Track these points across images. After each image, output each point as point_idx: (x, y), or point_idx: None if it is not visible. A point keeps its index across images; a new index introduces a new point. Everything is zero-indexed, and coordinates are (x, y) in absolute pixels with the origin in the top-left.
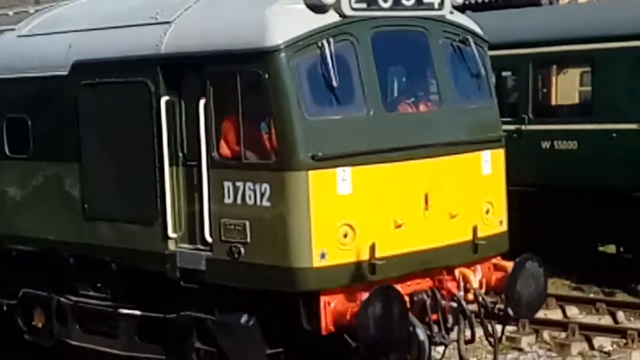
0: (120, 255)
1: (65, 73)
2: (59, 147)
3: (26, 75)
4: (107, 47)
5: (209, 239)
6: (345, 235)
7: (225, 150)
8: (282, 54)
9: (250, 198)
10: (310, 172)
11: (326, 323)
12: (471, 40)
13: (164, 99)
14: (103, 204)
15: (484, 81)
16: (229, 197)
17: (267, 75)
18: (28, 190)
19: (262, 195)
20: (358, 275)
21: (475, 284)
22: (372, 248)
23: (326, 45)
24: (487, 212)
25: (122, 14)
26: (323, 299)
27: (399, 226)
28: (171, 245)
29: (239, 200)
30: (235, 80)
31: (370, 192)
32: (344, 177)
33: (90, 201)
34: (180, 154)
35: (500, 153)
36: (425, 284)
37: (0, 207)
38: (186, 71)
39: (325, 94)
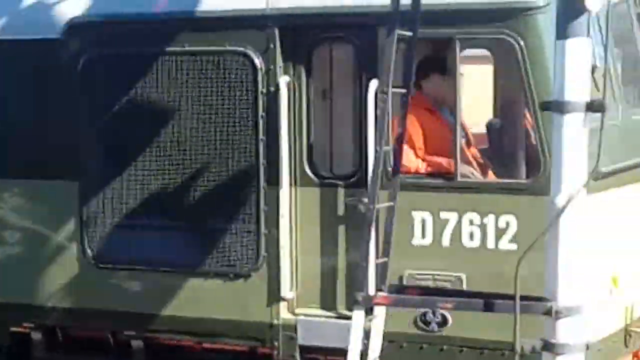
0: (161, 325)
1: (54, 36)
2: (33, 155)
3: None
4: None
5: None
6: (611, 292)
7: (413, 160)
8: (547, 12)
9: (472, 237)
10: (591, 196)
11: None
12: None
13: (283, 80)
14: (127, 246)
15: None
16: (423, 235)
17: (521, 44)
18: None
19: (499, 233)
20: (613, 351)
21: None
22: (632, 309)
23: None
24: None
25: None
26: None
27: None
28: (285, 311)
29: (445, 241)
30: (453, 51)
31: (624, 225)
32: (612, 202)
33: (99, 244)
34: (307, 167)
35: None
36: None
37: None
38: (329, 36)
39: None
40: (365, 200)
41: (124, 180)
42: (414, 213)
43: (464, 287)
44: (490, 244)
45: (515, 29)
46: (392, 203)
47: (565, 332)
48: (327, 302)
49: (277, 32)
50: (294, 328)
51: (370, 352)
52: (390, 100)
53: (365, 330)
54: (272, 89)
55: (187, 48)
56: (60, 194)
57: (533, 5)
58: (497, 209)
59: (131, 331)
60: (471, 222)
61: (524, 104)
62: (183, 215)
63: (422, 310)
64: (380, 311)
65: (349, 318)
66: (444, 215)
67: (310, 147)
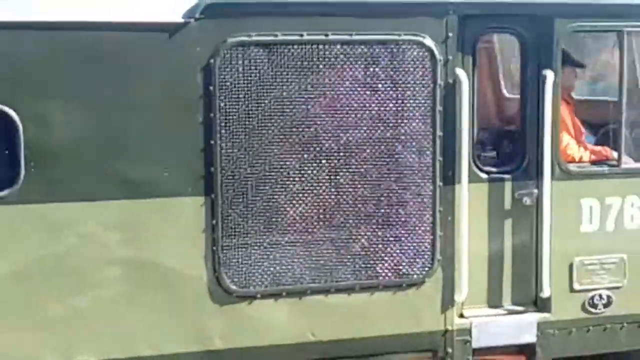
0: (323, 354)
1: (180, 20)
2: (135, 169)
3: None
4: None
5: (547, 292)
6: None
7: (576, 150)
8: None
9: (632, 219)
10: None
11: None
12: None
13: (462, 72)
14: (275, 268)
15: None
16: (590, 222)
17: None
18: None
19: None
20: None
21: None
22: None
23: None
24: None
25: None
26: None
27: None
28: (457, 317)
29: (609, 226)
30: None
31: None
32: None
33: (238, 268)
34: (473, 163)
35: None
36: None
37: None
38: (497, 26)
39: None
40: (535, 191)
41: (269, 190)
42: (582, 201)
43: (624, 268)
44: None
45: None
46: None
47: None
48: (494, 299)
49: (456, 20)
50: (468, 331)
51: None
52: None
53: None
54: (450, 80)
55: (354, 37)
56: (180, 213)
57: None
58: None
59: None
60: (632, 205)
61: None
62: (345, 226)
63: (590, 294)
64: None
65: (516, 313)
66: (608, 200)
67: (474, 142)
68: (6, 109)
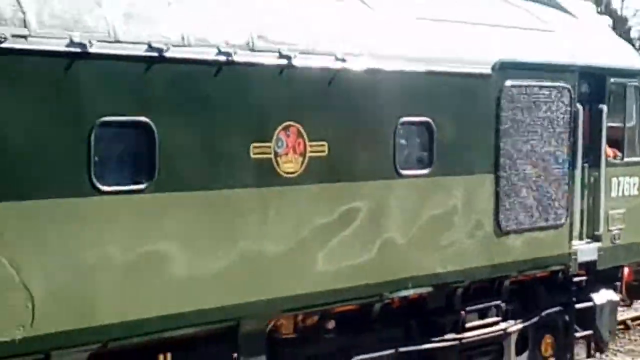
0: (526, 266)
1: (487, 71)
2: (471, 156)
3: (434, 69)
4: (532, 50)
5: (601, 230)
6: None
7: (608, 151)
8: None
9: (627, 190)
10: None
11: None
12: None
13: (579, 105)
14: (516, 216)
15: None
16: (614, 191)
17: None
18: (421, 216)
19: (633, 186)
20: None
21: None
22: None
23: None
24: None
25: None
26: None
27: None
28: (573, 244)
29: (620, 193)
30: (624, 91)
31: None
32: None
33: (504, 216)
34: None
35: None
36: None
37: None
38: (590, 80)
39: None
40: (596, 173)
41: (516, 173)
42: (612, 179)
43: (624, 217)
44: (632, 192)
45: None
46: None
47: None
48: (580, 235)
49: (578, 74)
50: (576, 253)
51: None
52: None
53: None
54: (574, 109)
55: (547, 84)
56: (483, 184)
57: None
58: (633, 174)
59: (514, 272)
60: (627, 182)
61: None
62: (537, 194)
63: (613, 232)
64: None
65: (589, 243)
66: (620, 179)
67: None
68: (429, 120)
